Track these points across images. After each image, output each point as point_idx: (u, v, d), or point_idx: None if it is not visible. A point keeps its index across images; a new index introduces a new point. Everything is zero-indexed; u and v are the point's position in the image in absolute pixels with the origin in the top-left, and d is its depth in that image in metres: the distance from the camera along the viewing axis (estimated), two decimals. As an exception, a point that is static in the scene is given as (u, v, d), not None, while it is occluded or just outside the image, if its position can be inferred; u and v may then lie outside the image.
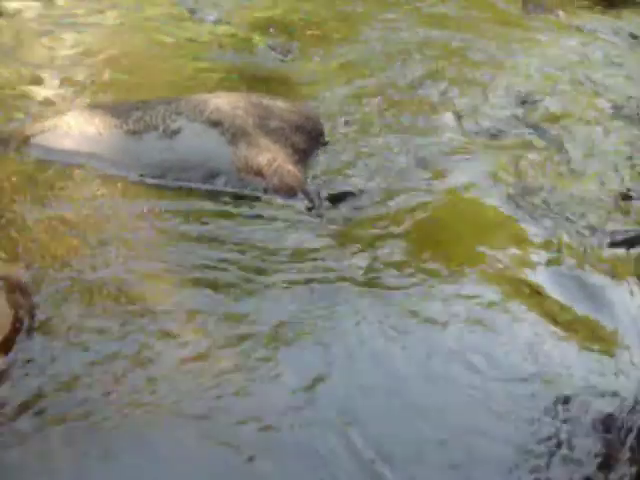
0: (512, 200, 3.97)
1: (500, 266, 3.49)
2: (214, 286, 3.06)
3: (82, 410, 2.50)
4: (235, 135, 3.66)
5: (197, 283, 3.03)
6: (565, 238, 3.72)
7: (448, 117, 4.58)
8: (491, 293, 3.34)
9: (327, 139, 4.14)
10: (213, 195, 3.55)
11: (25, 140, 3.74)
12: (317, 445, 2.47)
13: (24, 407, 2.48)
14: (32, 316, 2.77)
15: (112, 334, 2.78)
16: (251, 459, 2.41)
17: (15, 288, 2.74)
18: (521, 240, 3.73)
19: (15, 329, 2.68)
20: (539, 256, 3.60)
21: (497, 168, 4.21)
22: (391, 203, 3.78)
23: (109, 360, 2.68)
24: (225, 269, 3.15)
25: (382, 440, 2.52)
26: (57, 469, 2.34)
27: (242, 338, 2.84)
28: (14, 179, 3.55)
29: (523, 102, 4.87)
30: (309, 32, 5.45)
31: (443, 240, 3.65)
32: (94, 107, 3.89)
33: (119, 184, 3.52)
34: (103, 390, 2.56)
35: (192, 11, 5.80)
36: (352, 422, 2.56)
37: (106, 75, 4.61)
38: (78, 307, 2.85)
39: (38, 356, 2.66)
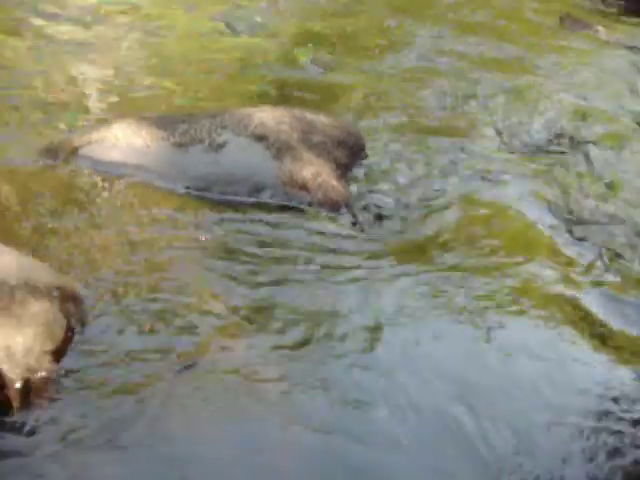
0: (554, 218, 3.98)
1: (541, 284, 3.50)
2: (262, 299, 3.10)
3: (132, 416, 2.54)
4: (280, 149, 3.70)
5: (245, 295, 3.07)
6: (607, 257, 3.71)
7: (489, 133, 4.59)
8: (534, 311, 3.35)
9: (368, 154, 4.17)
10: (258, 208, 3.59)
11: (73, 151, 3.81)
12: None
13: (76, 414, 2.53)
14: (83, 325, 2.82)
15: (162, 344, 2.82)
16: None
17: (68, 298, 2.79)
18: (563, 258, 3.73)
19: (67, 338, 2.72)
20: (582, 275, 3.60)
21: (538, 185, 4.21)
22: (432, 219, 3.80)
23: (158, 369, 2.72)
24: (272, 281, 3.19)
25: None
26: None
27: (291, 346, 2.88)
28: (63, 190, 3.61)
29: (564, 119, 4.87)
30: (349, 46, 5.50)
31: (484, 257, 3.65)
32: (140, 119, 3.95)
33: (166, 196, 3.58)
34: (153, 398, 2.60)
35: (231, 26, 5.87)
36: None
37: (148, 89, 4.68)
38: (127, 316, 2.90)
39: (89, 365, 2.71)
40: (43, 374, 2.59)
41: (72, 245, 3.23)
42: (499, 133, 4.67)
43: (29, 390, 2.55)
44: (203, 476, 2.40)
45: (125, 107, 4.33)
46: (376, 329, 3.05)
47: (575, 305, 3.37)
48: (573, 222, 3.96)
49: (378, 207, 3.73)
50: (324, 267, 3.33)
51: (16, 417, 2.50)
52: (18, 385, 2.54)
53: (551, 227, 3.92)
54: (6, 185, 3.62)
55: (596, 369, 3.06)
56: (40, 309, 2.66)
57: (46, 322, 2.66)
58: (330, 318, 3.08)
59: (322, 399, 2.69)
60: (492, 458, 2.54)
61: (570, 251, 3.76)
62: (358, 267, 3.37)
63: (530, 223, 3.91)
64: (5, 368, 2.53)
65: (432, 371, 2.91)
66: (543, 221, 3.93)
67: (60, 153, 3.82)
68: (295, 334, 2.94)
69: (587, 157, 4.59)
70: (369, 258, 3.43)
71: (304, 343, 2.91)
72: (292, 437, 2.54)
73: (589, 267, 3.56)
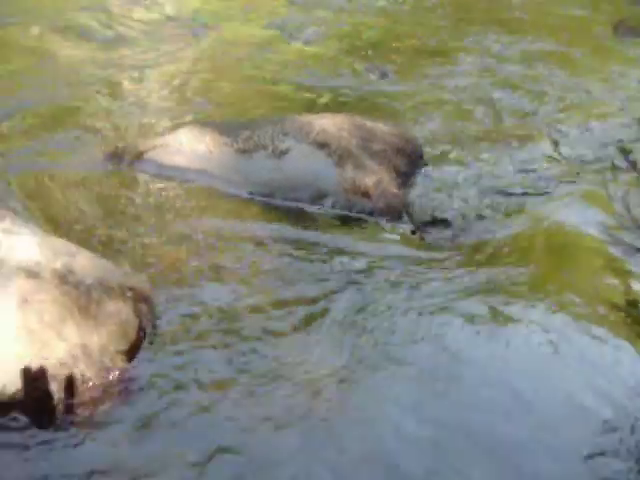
0: (610, 229, 3.95)
1: (599, 295, 3.48)
2: (322, 305, 3.13)
3: (203, 410, 2.60)
4: (342, 157, 3.74)
5: (306, 298, 3.11)
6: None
7: (546, 143, 4.58)
8: (591, 321, 3.33)
9: (426, 162, 4.19)
10: (320, 215, 3.63)
11: (138, 156, 3.90)
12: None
13: (146, 412, 2.59)
14: (154, 325, 2.89)
15: (225, 344, 2.87)
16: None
17: (140, 298, 2.85)
18: (621, 270, 3.70)
19: (139, 337, 2.79)
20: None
21: (596, 197, 4.19)
22: (490, 228, 3.80)
23: (227, 371, 2.77)
24: (335, 288, 3.23)
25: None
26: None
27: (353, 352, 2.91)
28: (128, 194, 3.70)
29: (622, 130, 4.83)
30: (406, 53, 5.52)
31: (542, 266, 3.64)
32: (203, 125, 4.03)
33: (230, 201, 3.65)
34: (222, 397, 2.65)
35: (286, 33, 5.94)
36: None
37: (208, 97, 4.76)
38: (196, 317, 2.96)
39: (159, 363, 2.77)
40: (117, 373, 2.67)
41: (141, 248, 3.31)
42: (555, 142, 4.66)
43: (104, 389, 2.63)
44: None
45: (187, 114, 4.42)
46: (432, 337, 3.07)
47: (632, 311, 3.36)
48: (630, 232, 3.94)
49: (437, 215, 3.75)
50: (384, 275, 3.35)
51: (89, 414, 2.57)
52: (92, 383, 2.61)
53: (608, 238, 3.90)
54: (74, 190, 3.73)
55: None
56: (114, 309, 2.73)
57: (120, 322, 2.73)
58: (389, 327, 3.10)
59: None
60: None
61: (628, 261, 3.75)
62: (417, 274, 3.39)
63: (588, 234, 3.89)
64: (81, 366, 2.60)
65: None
66: (600, 232, 3.91)
67: (125, 158, 3.92)
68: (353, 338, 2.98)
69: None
70: (428, 266, 3.46)
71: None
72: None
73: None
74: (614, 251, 3.78)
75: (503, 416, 2.70)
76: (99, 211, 3.57)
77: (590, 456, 2.58)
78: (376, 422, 2.61)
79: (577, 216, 4.00)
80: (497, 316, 3.26)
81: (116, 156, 3.94)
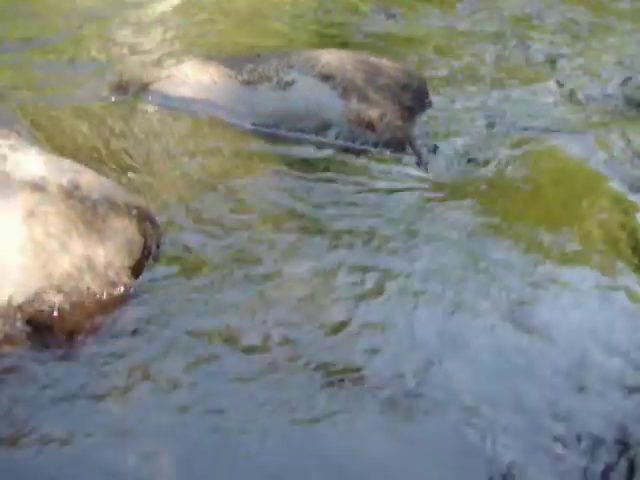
0: (616, 169, 3.96)
1: (601, 230, 3.50)
2: (325, 234, 3.15)
3: (204, 326, 2.64)
4: (346, 89, 3.74)
5: (307, 227, 3.14)
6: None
7: (552, 84, 4.57)
8: (591, 255, 3.36)
9: (431, 99, 4.18)
10: (323, 147, 3.64)
11: (143, 87, 3.89)
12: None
13: (151, 324, 2.63)
14: (158, 245, 2.91)
15: (230, 266, 2.90)
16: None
17: (145, 218, 2.87)
18: (626, 206, 3.72)
19: (144, 255, 2.82)
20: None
21: (601, 136, 4.19)
22: (493, 163, 3.81)
23: (226, 288, 2.80)
24: (336, 216, 3.25)
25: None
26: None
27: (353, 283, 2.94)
28: (133, 123, 3.70)
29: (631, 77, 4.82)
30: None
31: (545, 201, 3.66)
32: (209, 58, 4.02)
33: (234, 131, 3.65)
34: (225, 313, 2.69)
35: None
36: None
37: (214, 33, 4.75)
38: (199, 238, 2.99)
39: (163, 281, 2.80)
40: (121, 288, 2.70)
41: (145, 174, 3.32)
42: (562, 85, 4.65)
43: (109, 303, 2.67)
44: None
45: (193, 48, 4.40)
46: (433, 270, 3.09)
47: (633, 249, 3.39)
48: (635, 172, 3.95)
49: (441, 149, 3.76)
50: (387, 205, 3.37)
51: (94, 327, 2.61)
52: (97, 298, 2.65)
53: (614, 178, 3.91)
54: (79, 120, 3.71)
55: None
56: (120, 226, 2.75)
57: (125, 239, 2.75)
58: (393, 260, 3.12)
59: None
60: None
61: (632, 199, 3.76)
62: (421, 206, 3.42)
63: (592, 173, 3.90)
64: (86, 279, 2.64)
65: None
66: (605, 171, 3.92)
67: (130, 89, 3.91)
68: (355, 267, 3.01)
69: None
70: (429, 200, 3.47)
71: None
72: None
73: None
74: (619, 187, 3.80)
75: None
76: (104, 139, 3.56)
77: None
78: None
79: (582, 151, 4.01)
80: (497, 247, 3.29)
81: (121, 88, 3.93)
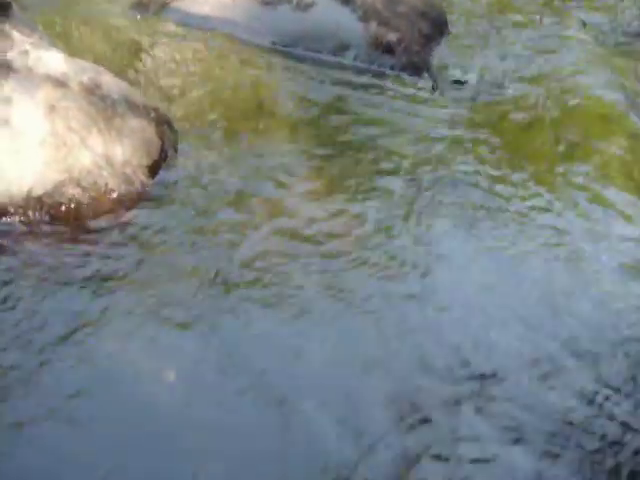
0: (633, 102, 3.97)
1: (617, 159, 3.53)
2: (337, 149, 3.21)
3: (214, 226, 2.71)
4: (366, 12, 3.76)
5: (320, 138, 3.19)
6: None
7: (575, 23, 4.56)
8: (599, 183, 3.39)
9: (449, 29, 4.19)
10: (341, 68, 3.67)
11: (164, 5, 3.92)
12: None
13: (165, 221, 2.70)
14: (176, 150, 2.97)
15: (245, 173, 2.96)
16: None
17: (163, 121, 2.93)
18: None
19: (161, 158, 2.88)
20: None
21: (619, 72, 4.20)
22: (509, 92, 3.83)
23: (241, 192, 2.87)
24: (348, 131, 3.30)
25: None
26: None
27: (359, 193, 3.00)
28: (153, 38, 3.73)
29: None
30: None
31: (559, 129, 3.67)
32: (229, -22, 4.03)
33: (253, 49, 3.68)
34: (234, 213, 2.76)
35: None
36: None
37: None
38: (215, 144, 3.05)
39: (179, 183, 2.86)
40: (138, 186, 2.76)
41: (164, 84, 3.36)
42: (584, 24, 4.63)
43: (125, 199, 2.73)
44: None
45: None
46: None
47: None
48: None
49: (457, 76, 3.78)
50: (398, 124, 3.41)
51: (110, 222, 2.67)
52: (115, 194, 2.71)
53: (630, 110, 3.92)
54: (100, 34, 3.74)
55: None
56: (138, 126, 2.81)
57: (143, 138, 2.81)
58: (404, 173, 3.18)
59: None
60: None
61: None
62: (435, 128, 3.45)
63: (609, 104, 3.91)
64: (105, 175, 2.70)
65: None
66: (622, 103, 3.93)
67: (151, 7, 3.94)
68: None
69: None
70: (446, 121, 3.51)
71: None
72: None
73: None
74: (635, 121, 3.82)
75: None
76: (125, 53, 3.60)
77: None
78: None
79: (599, 84, 4.02)
80: (507, 172, 3.33)
81: (142, 5, 3.96)
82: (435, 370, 2.28)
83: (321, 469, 1.97)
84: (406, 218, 2.88)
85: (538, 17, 4.58)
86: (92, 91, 2.75)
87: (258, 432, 2.05)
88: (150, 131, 2.85)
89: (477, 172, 3.24)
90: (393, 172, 3.11)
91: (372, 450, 2.02)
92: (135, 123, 2.80)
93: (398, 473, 1.99)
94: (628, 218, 3.21)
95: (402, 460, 2.02)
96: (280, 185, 2.91)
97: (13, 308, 2.31)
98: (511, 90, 3.80)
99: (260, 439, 2.03)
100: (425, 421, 2.13)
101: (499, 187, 3.18)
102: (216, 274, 2.52)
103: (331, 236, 2.74)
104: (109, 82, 2.84)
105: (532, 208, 3.11)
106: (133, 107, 2.82)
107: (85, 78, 2.78)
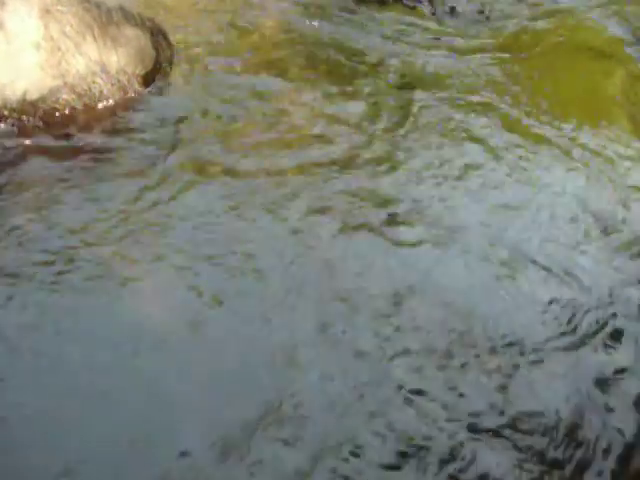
0: (633, 38, 3.97)
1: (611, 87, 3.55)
2: (328, 74, 3.21)
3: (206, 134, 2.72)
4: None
5: (316, 71, 3.19)
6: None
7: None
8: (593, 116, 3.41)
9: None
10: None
11: None
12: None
13: (157, 130, 2.70)
14: (171, 62, 2.97)
15: (240, 94, 2.95)
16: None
17: (158, 32, 2.93)
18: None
19: (156, 67, 2.88)
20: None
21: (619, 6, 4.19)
22: (508, 23, 3.83)
23: (234, 117, 2.87)
24: (344, 58, 3.29)
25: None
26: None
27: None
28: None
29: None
30: None
31: (553, 61, 3.67)
32: None
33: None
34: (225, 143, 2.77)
35: None
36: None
37: None
38: (212, 60, 3.04)
39: (173, 94, 2.87)
40: (133, 94, 2.77)
41: (167, 4, 3.36)
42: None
43: (119, 106, 2.74)
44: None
45: None
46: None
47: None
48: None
49: (455, 6, 3.78)
50: (403, 47, 3.41)
51: (105, 128, 2.68)
52: (110, 101, 2.72)
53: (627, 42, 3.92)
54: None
55: None
56: (133, 34, 2.81)
57: (138, 47, 2.81)
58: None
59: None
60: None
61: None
62: (432, 48, 3.45)
63: (606, 36, 3.90)
64: (99, 82, 2.71)
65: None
66: (619, 35, 3.92)
67: None
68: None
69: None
70: (443, 44, 3.51)
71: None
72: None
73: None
74: (630, 51, 3.82)
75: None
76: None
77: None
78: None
79: (601, 22, 4.01)
80: (501, 104, 3.33)
81: None
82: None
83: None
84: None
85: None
86: (87, -2, 2.76)
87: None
88: (145, 41, 2.85)
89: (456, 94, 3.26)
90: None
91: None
92: (130, 32, 2.81)
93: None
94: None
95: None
96: (276, 112, 2.92)
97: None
98: (506, 21, 3.79)
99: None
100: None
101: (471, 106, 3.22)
102: (205, 168, 2.54)
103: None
104: (104, -9, 2.84)
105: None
106: (129, 16, 2.82)
107: (81, -16, 2.78)
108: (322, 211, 2.46)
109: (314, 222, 2.42)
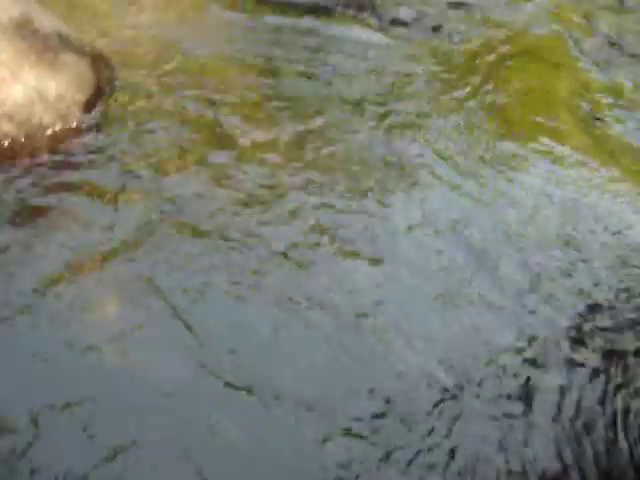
0: (582, 48, 4.01)
1: (563, 100, 3.59)
2: (279, 75, 3.20)
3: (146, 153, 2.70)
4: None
5: (265, 71, 3.18)
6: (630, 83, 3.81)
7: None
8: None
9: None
10: (288, 6, 3.66)
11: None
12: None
13: (100, 156, 2.67)
14: (112, 86, 2.93)
15: (182, 110, 2.94)
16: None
17: (98, 58, 2.89)
18: (587, 83, 3.79)
19: (97, 92, 2.84)
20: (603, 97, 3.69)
21: (568, 14, 4.24)
22: (457, 36, 3.85)
23: (175, 132, 2.84)
24: (293, 61, 3.30)
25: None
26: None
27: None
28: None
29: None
30: None
31: (509, 71, 3.71)
32: None
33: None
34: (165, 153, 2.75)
35: None
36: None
37: None
38: (153, 81, 3.01)
39: (115, 119, 2.83)
40: (74, 121, 2.73)
41: (107, 26, 3.31)
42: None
43: (60, 134, 2.70)
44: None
45: None
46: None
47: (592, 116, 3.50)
48: (600, 52, 4.01)
49: (399, 16, 3.79)
50: (347, 58, 3.43)
51: (46, 157, 2.64)
52: (50, 130, 2.68)
53: (577, 54, 3.97)
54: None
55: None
56: (72, 60, 2.77)
57: (77, 73, 2.78)
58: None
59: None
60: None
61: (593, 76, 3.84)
62: (377, 59, 3.46)
63: (553, 48, 3.95)
64: (39, 110, 2.67)
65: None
66: (570, 49, 3.97)
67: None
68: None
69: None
70: (387, 53, 3.52)
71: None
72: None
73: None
74: (578, 58, 3.87)
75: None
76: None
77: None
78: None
79: (544, 29, 4.05)
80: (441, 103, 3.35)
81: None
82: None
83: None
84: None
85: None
86: (23, 25, 2.70)
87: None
88: (85, 67, 2.82)
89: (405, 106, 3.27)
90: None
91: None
92: (69, 58, 2.77)
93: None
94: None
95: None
96: (216, 124, 2.90)
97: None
98: (460, 31, 3.82)
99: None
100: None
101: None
102: (149, 207, 2.52)
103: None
104: (41, 17, 2.79)
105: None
106: (66, 42, 2.78)
107: (15, 12, 2.73)
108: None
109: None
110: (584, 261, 2.63)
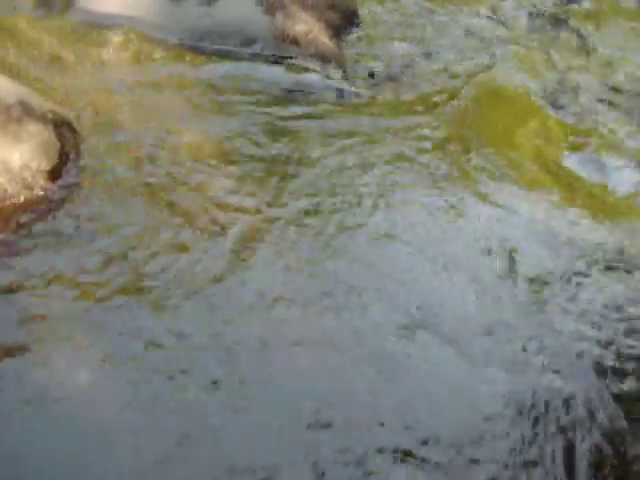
0: (544, 89, 4.08)
1: (530, 148, 3.65)
2: (249, 137, 3.23)
3: (118, 229, 2.70)
4: (272, 5, 3.76)
5: (232, 131, 3.21)
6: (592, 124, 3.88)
7: (484, 12, 4.64)
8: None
9: (360, 20, 4.22)
10: (250, 57, 3.69)
11: (68, 3, 3.85)
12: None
13: (68, 225, 2.67)
14: (78, 152, 2.93)
15: (150, 173, 2.94)
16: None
17: (62, 124, 2.89)
18: (550, 125, 3.85)
19: (62, 160, 2.84)
20: (566, 139, 3.76)
21: (530, 58, 4.31)
22: (422, 84, 3.90)
23: (143, 195, 2.85)
24: (257, 118, 3.33)
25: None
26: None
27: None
28: (59, 37, 3.66)
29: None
30: None
31: (469, 116, 3.76)
32: (135, -25, 3.98)
33: (160, 46, 3.64)
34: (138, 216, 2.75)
35: None
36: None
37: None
38: (120, 146, 3.01)
39: (82, 186, 2.82)
40: (39, 191, 2.72)
41: (69, 86, 3.30)
42: (495, 11, 4.73)
43: (26, 204, 2.69)
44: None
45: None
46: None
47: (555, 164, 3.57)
48: (562, 93, 4.08)
49: (369, 67, 3.83)
50: (311, 112, 3.47)
51: (11, 229, 2.63)
52: (16, 199, 2.67)
53: (539, 97, 4.03)
54: (3, 32, 3.68)
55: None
56: (35, 129, 2.76)
57: (42, 142, 2.76)
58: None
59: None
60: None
61: (556, 117, 3.91)
62: (340, 113, 3.51)
63: (519, 93, 4.01)
64: (3, 180, 2.66)
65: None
66: (532, 92, 4.03)
67: (56, 3, 3.86)
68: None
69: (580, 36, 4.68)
70: (352, 108, 3.56)
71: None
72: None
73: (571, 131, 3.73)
74: (542, 104, 3.94)
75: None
76: (26, 55, 3.53)
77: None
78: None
79: (513, 76, 4.12)
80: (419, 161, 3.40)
81: (47, 3, 3.88)
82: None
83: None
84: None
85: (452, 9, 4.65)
86: (-16, 96, 2.70)
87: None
88: (48, 134, 2.81)
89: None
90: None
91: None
92: (32, 127, 2.76)
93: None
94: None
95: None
96: (183, 185, 2.91)
97: None
98: (419, 81, 3.86)
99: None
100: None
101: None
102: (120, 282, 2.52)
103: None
104: (2, 85, 2.79)
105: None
106: (29, 110, 2.77)
107: (-24, 83, 2.73)
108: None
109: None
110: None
